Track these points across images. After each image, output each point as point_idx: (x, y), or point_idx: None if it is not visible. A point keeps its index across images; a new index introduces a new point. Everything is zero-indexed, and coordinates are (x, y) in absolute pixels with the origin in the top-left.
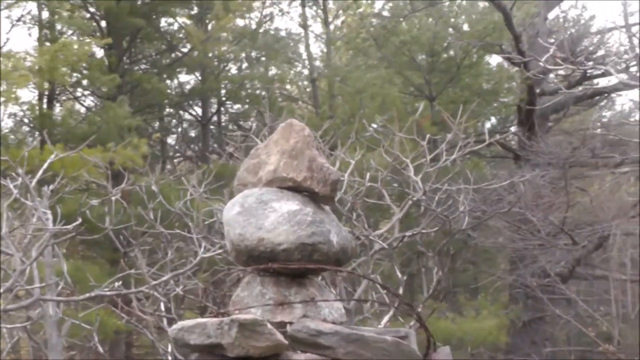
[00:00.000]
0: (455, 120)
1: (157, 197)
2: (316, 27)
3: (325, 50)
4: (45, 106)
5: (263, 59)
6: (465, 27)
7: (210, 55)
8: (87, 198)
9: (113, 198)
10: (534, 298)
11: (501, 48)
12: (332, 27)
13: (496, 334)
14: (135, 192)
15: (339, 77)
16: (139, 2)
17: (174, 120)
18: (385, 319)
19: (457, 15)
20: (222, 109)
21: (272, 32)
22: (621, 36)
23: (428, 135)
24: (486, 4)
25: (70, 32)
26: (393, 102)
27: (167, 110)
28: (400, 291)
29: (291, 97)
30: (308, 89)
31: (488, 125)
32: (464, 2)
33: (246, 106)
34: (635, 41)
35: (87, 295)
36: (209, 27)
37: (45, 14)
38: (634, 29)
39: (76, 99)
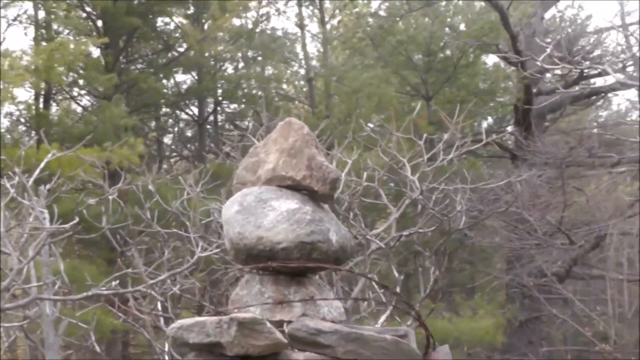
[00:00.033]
0: (452, 119)
1: (154, 196)
2: (313, 26)
3: (321, 49)
4: (41, 106)
5: (259, 58)
6: (462, 26)
7: (206, 54)
8: (84, 197)
9: (110, 197)
10: (531, 298)
11: (498, 48)
12: (328, 26)
13: (493, 334)
14: (132, 192)
15: (335, 76)
16: (136, 2)
17: (171, 120)
18: (382, 318)
19: (453, 14)
20: (219, 108)
21: (268, 31)
22: (618, 36)
23: (425, 135)
24: (483, 3)
25: (66, 31)
26: (390, 101)
27: (164, 109)
28: (397, 291)
29: (288, 97)
30: (305, 89)
31: (485, 125)
32: (461, 2)
33: (243, 106)
34: (632, 40)
35: (84, 294)
36: (206, 26)
37: (41, 14)
38: (631, 29)
39: (72, 98)
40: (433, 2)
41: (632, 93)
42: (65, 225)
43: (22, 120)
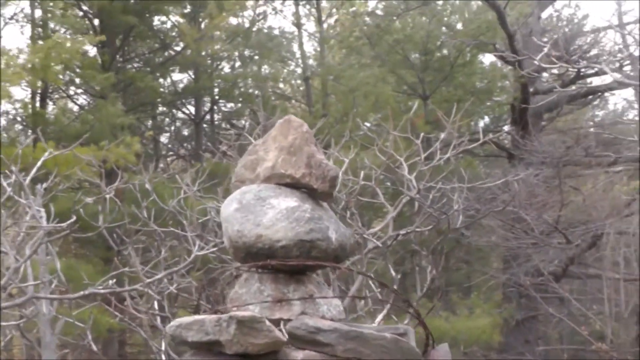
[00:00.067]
0: (449, 119)
1: (150, 195)
2: (309, 25)
3: (318, 48)
4: (38, 104)
5: (256, 57)
6: (459, 26)
7: (203, 53)
8: (81, 196)
9: (107, 196)
10: (527, 297)
11: (495, 47)
12: (325, 25)
13: (489, 333)
14: (128, 191)
15: (332, 75)
16: (132, 1)
17: (167, 119)
18: (379, 317)
19: (450, 14)
20: (215, 107)
21: (265, 30)
22: (616, 35)
23: (422, 134)
24: (480, 2)
25: (63, 30)
26: (386, 100)
27: (160, 108)
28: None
29: (284, 96)
30: (301, 88)
31: (481, 124)
32: (458, 1)
33: (239, 105)
34: (630, 40)
35: (81, 293)
36: (202, 25)
37: (38, 13)
38: (628, 28)
39: (69, 97)
40: (430, 1)
41: (629, 92)
42: (62, 224)
43: (19, 119)
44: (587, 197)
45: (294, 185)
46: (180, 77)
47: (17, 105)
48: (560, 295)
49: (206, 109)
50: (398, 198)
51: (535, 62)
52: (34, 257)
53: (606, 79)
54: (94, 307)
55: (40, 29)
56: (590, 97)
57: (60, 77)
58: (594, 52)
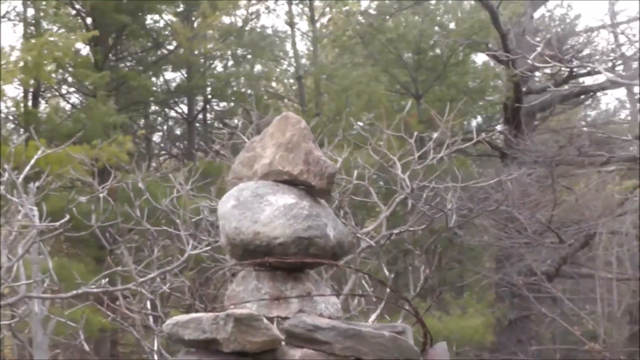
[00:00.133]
0: (443, 118)
1: (143, 194)
2: (302, 24)
3: (311, 47)
4: (30, 103)
5: (249, 56)
6: (452, 25)
7: (196, 52)
8: (74, 195)
9: (100, 195)
10: (520, 296)
11: (487, 46)
12: (318, 24)
13: (482, 333)
14: (121, 190)
15: (325, 74)
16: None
17: (160, 118)
18: (373, 316)
19: (443, 13)
20: (208, 106)
21: (258, 29)
22: (610, 36)
23: (415, 133)
24: (473, 2)
25: (55, 28)
26: (379, 99)
27: (153, 107)
28: (389, 289)
29: (277, 95)
30: (294, 87)
31: (474, 123)
32: (451, 1)
33: (232, 104)
34: (622, 39)
35: (74, 292)
36: (195, 24)
37: (30, 11)
38: (621, 28)
39: (62, 96)
40: (423, 0)
41: (621, 92)
42: (55, 223)
43: (11, 117)
44: (579, 197)
45: (292, 182)
46: (173, 76)
47: (9, 103)
48: (553, 295)
49: (199, 108)
50: (391, 197)
51: (529, 61)
52: (26, 256)
53: (598, 79)
54: (86, 307)
55: (32, 28)
56: (583, 96)
57: (53, 75)
58: (586, 51)
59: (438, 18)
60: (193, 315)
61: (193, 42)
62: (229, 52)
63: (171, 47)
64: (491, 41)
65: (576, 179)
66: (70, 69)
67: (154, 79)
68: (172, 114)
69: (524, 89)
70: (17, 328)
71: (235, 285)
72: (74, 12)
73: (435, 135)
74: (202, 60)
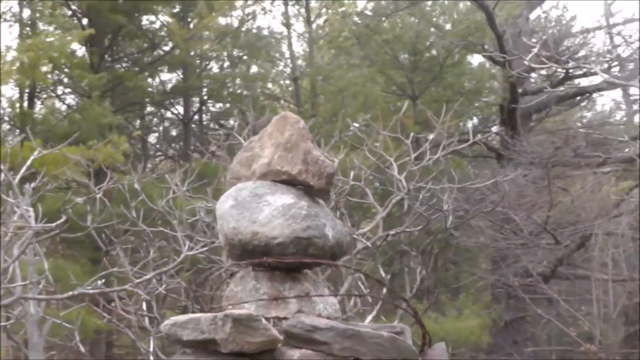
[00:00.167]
0: (439, 119)
1: (139, 195)
2: (298, 25)
3: (307, 49)
4: (26, 104)
5: (245, 57)
6: (448, 26)
7: (192, 53)
8: (70, 196)
9: (97, 196)
10: (516, 298)
11: (483, 47)
12: (314, 25)
13: (478, 334)
14: (117, 191)
15: (321, 75)
16: (121, 0)
17: (155, 119)
18: (369, 318)
19: (439, 14)
20: (204, 107)
21: (254, 30)
22: (605, 37)
23: (412, 134)
24: (468, 3)
25: (51, 29)
26: (375, 101)
27: (149, 108)
28: (384, 290)
29: (273, 96)
30: (290, 88)
31: (470, 124)
32: (447, 2)
33: (228, 105)
34: (618, 40)
35: (70, 293)
36: (192, 25)
37: (26, 12)
38: (616, 29)
39: (58, 97)
40: (419, 1)
41: (617, 93)
42: (51, 224)
43: (6, 118)
44: (575, 198)
45: (290, 182)
46: (169, 77)
47: (5, 104)
48: (549, 296)
49: (195, 109)
50: (387, 198)
51: (525, 62)
52: (22, 257)
53: (594, 80)
54: (82, 308)
55: (28, 28)
56: (579, 98)
57: (49, 76)
58: (582, 53)
59: (434, 19)
60: (191, 315)
61: (189, 43)
62: (225, 53)
63: (167, 48)
64: (487, 42)
65: (572, 180)
66: (66, 70)
67: (149, 79)
68: (168, 115)
69: (520, 90)
70: (13, 329)
71: (233, 286)
72: (69, 13)
73: (431, 136)
74: (198, 61)
